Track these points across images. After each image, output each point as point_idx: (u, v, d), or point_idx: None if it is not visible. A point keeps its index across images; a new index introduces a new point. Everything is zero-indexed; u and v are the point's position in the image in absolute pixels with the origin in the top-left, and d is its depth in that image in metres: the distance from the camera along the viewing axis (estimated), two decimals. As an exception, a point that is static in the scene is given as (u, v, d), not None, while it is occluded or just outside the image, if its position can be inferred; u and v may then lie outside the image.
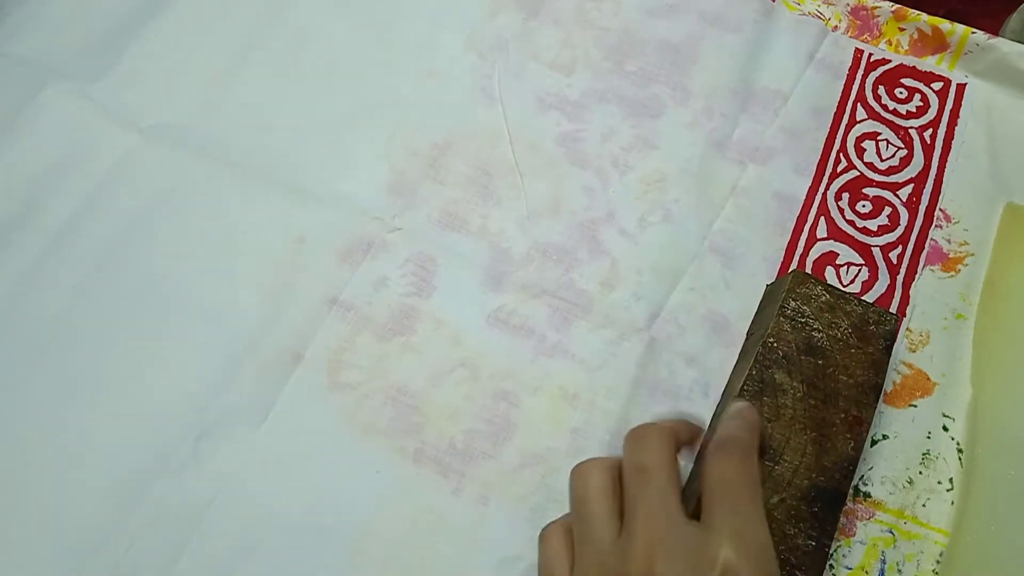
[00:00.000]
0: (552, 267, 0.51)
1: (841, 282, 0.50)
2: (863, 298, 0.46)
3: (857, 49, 0.56)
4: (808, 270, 0.50)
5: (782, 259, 0.50)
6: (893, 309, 0.49)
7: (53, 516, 0.45)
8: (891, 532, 0.44)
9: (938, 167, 0.53)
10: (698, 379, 0.48)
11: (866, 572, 0.43)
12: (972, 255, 0.50)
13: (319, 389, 0.47)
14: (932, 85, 0.55)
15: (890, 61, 0.56)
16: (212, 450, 0.46)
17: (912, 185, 0.52)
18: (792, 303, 0.44)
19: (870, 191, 0.52)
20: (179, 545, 0.44)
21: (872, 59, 0.56)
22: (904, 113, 0.54)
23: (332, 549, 0.44)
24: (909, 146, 0.54)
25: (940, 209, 0.52)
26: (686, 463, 0.40)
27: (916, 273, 0.50)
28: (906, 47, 0.56)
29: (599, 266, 0.50)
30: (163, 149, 0.54)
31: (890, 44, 0.57)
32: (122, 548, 0.44)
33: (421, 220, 0.52)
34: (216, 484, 0.45)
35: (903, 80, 0.56)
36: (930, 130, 0.54)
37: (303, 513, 0.45)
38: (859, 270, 0.50)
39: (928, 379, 0.47)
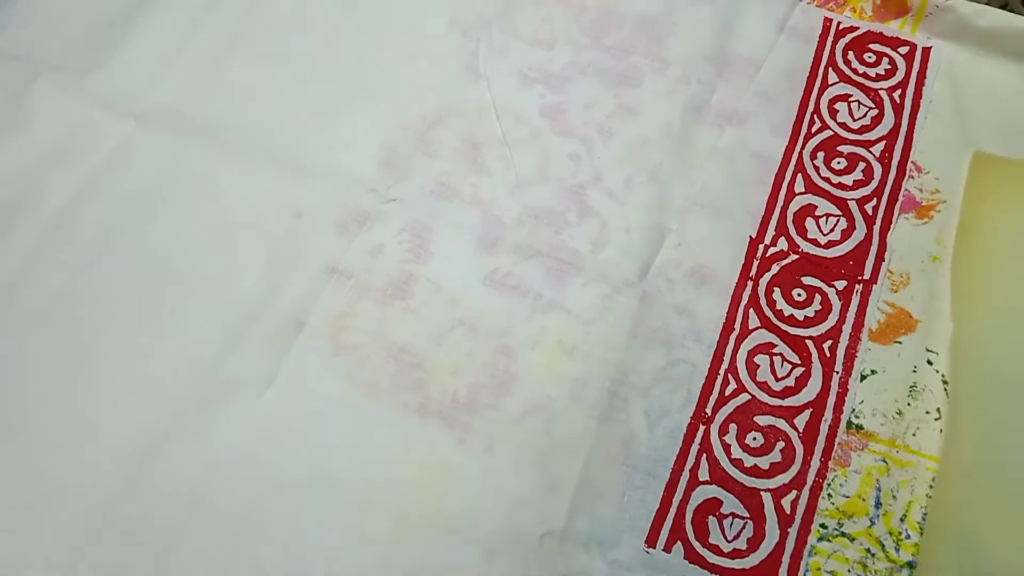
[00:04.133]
0: (543, 230, 0.52)
1: (821, 231, 0.52)
2: (842, 246, 0.49)
3: (826, 18, 0.59)
4: (789, 222, 0.52)
5: (763, 212, 0.52)
6: (871, 257, 0.51)
7: (66, 485, 0.45)
8: (884, 461, 0.45)
9: (908, 124, 0.55)
10: (690, 327, 0.49)
11: (863, 499, 0.44)
12: (944, 202, 0.52)
13: (322, 354, 0.48)
14: (899, 49, 0.58)
15: (858, 28, 0.58)
16: (219, 417, 0.47)
17: (884, 142, 0.55)
18: None
19: (844, 148, 0.54)
20: (192, 508, 0.44)
21: (840, 27, 0.59)
22: (873, 76, 0.57)
23: (343, 505, 0.44)
24: (880, 106, 0.56)
25: (912, 161, 0.54)
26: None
27: (892, 222, 0.52)
28: (870, 13, 0.59)
29: (589, 227, 0.52)
30: (159, 134, 0.55)
31: (854, 11, 0.59)
32: (136, 513, 0.44)
33: (414, 191, 0.53)
34: (225, 449, 0.46)
35: (871, 45, 0.58)
36: (899, 91, 0.56)
37: (312, 472, 0.45)
38: (837, 220, 0.52)
39: (911, 317, 0.49)
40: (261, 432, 0.46)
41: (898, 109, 0.56)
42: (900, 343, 0.49)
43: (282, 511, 0.45)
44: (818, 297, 0.50)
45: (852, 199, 0.53)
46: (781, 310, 0.50)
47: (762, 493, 0.45)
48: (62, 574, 0.43)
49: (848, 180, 0.54)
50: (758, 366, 0.48)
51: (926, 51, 0.57)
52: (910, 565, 0.43)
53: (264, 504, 0.45)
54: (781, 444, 0.46)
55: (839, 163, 0.54)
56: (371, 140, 0.55)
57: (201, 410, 0.47)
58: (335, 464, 0.46)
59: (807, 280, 0.51)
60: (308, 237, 0.52)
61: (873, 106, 0.56)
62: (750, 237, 0.52)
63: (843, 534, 0.44)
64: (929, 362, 0.48)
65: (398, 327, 0.49)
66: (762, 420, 0.47)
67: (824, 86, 0.57)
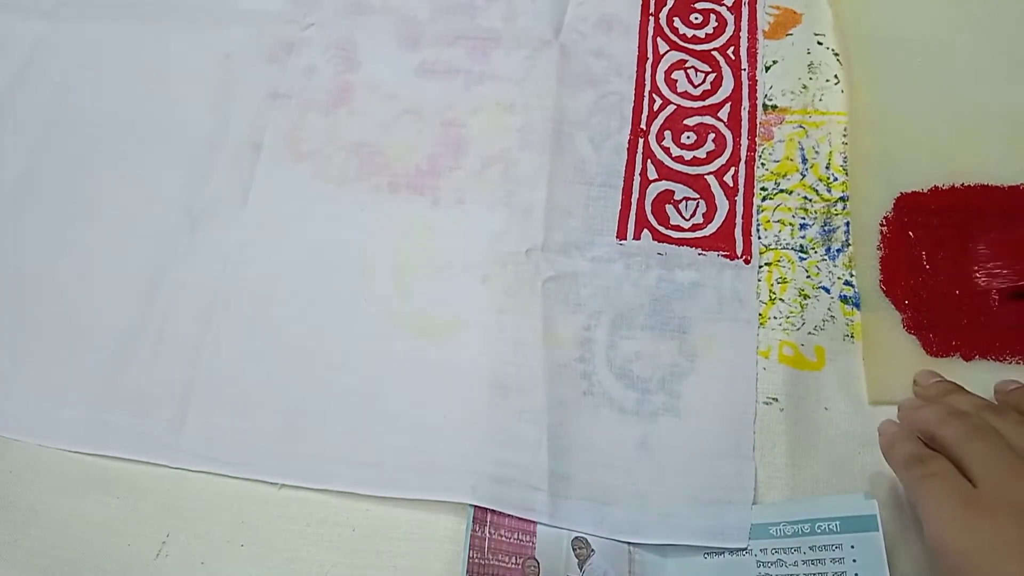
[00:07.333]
0: (457, 18, 0.56)
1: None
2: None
3: None
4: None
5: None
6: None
7: (86, 329, 0.48)
8: (801, 127, 0.51)
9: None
10: (609, 65, 0.54)
11: (791, 160, 0.50)
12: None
13: (286, 163, 0.52)
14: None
15: None
16: (208, 236, 0.50)
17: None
18: None
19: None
20: (206, 311, 0.48)
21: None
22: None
23: (344, 278, 0.48)
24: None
25: None
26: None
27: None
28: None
29: (497, 6, 0.56)
30: (70, 24, 0.57)
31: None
32: (156, 328, 0.47)
33: (329, 13, 0.57)
34: (221, 260, 0.49)
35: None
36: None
37: (308, 257, 0.49)
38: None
39: (795, 13, 0.55)
40: (251, 237, 0.50)
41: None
42: (791, 35, 0.54)
43: (289, 296, 0.48)
44: (712, 16, 0.56)
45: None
46: (684, 33, 0.55)
47: (706, 176, 0.50)
48: (102, 403, 0.46)
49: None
50: (676, 80, 0.53)
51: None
52: (843, 199, 0.49)
53: (271, 294, 0.48)
54: (712, 135, 0.51)
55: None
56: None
57: (191, 234, 0.50)
58: (327, 246, 0.49)
59: (700, 5, 0.56)
60: (243, 72, 0.55)
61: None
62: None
63: (782, 190, 0.50)
64: (819, 43, 0.54)
65: (349, 128, 0.53)
66: (691, 121, 0.52)
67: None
